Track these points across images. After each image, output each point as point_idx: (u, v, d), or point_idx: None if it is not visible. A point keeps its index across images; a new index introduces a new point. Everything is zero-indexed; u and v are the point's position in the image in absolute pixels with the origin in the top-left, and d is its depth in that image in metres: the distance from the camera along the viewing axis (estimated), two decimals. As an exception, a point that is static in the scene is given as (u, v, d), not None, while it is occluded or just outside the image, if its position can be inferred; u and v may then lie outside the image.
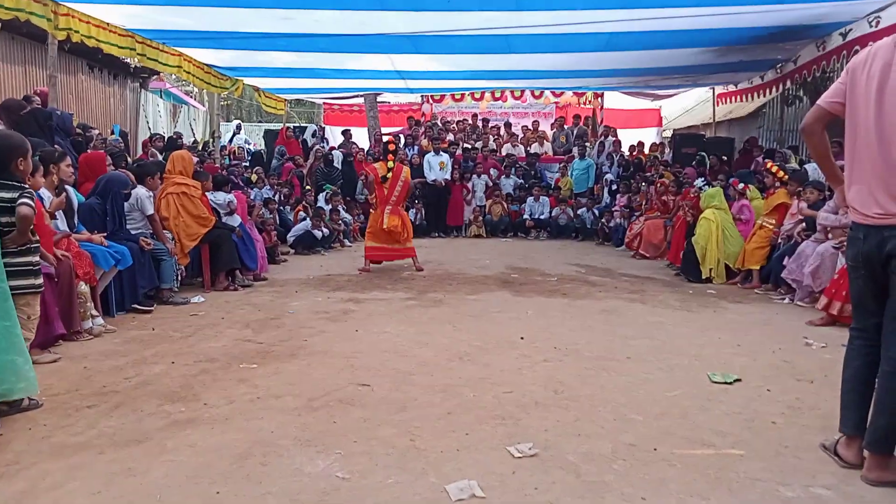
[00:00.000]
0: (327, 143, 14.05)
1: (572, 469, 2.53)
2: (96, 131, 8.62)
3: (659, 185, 9.68)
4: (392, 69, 9.88)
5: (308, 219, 9.24)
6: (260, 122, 24.69)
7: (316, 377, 3.63)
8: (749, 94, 10.96)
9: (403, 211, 7.71)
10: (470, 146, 13.03)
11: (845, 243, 3.23)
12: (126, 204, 5.43)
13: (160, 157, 8.76)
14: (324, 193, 10.42)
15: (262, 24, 7.18)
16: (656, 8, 6.40)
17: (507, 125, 14.37)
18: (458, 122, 14.78)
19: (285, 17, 6.87)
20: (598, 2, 6.29)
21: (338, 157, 12.03)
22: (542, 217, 11.51)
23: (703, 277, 6.98)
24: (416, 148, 12.40)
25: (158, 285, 5.52)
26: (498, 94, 15.24)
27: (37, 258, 3.43)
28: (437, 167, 11.58)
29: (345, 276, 7.16)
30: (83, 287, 4.42)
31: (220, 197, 6.82)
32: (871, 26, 6.53)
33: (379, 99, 15.17)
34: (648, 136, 15.38)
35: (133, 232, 5.45)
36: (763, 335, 4.72)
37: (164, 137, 11.10)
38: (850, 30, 7.01)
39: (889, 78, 2.38)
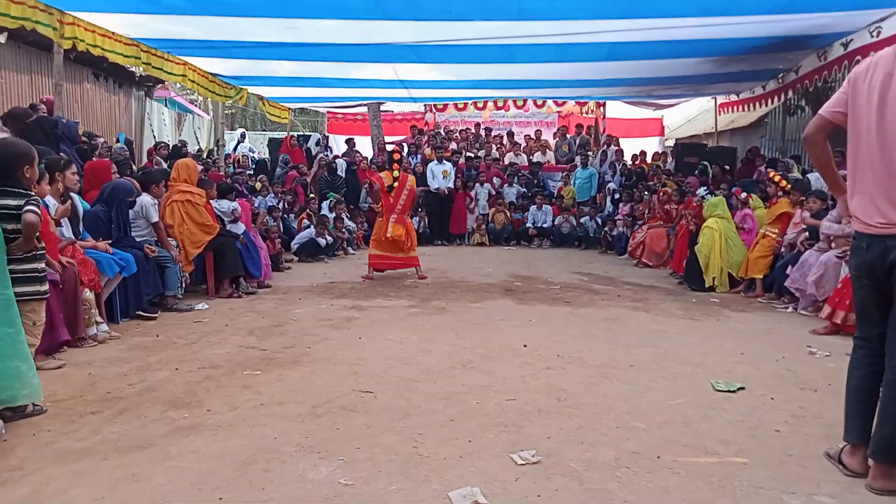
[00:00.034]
0: (331, 152, 14.10)
1: (575, 476, 2.53)
2: (101, 139, 8.69)
3: (661, 193, 9.70)
4: (395, 78, 9.93)
5: (312, 226, 9.27)
6: (264, 130, 24.81)
7: (319, 384, 3.63)
8: (751, 104, 11.00)
9: (409, 220, 7.75)
10: (473, 155, 13.08)
11: (848, 252, 3.23)
12: (131, 211, 5.46)
13: (165, 165, 8.81)
14: (327, 201, 10.46)
15: (266, 33, 7.24)
16: (658, 18, 6.44)
17: (510, 134, 14.42)
18: (461, 130, 14.84)
19: (289, 26, 6.92)
20: (599, 12, 6.32)
21: (341, 165, 12.09)
22: (544, 225, 11.52)
23: (707, 286, 6.98)
24: (419, 157, 12.45)
25: (163, 292, 5.54)
26: (501, 104, 15.28)
27: (42, 265, 3.45)
28: (441, 176, 11.63)
29: (348, 283, 7.17)
30: (88, 294, 4.44)
31: (225, 205, 6.85)
32: (872, 36, 6.56)
33: (382, 108, 15.25)
34: (651, 146, 15.41)
35: (138, 239, 5.47)
36: (766, 344, 4.71)
37: (168, 145, 11.17)
38: (852, 40, 7.04)
39: (890, 88, 2.39)
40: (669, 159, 13.13)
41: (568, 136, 14.07)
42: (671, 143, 16.98)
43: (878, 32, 6.47)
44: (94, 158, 6.76)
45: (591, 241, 11.10)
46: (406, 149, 12.39)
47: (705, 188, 8.91)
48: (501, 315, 5.56)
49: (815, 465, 2.66)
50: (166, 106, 16.20)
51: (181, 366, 3.95)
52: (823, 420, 3.15)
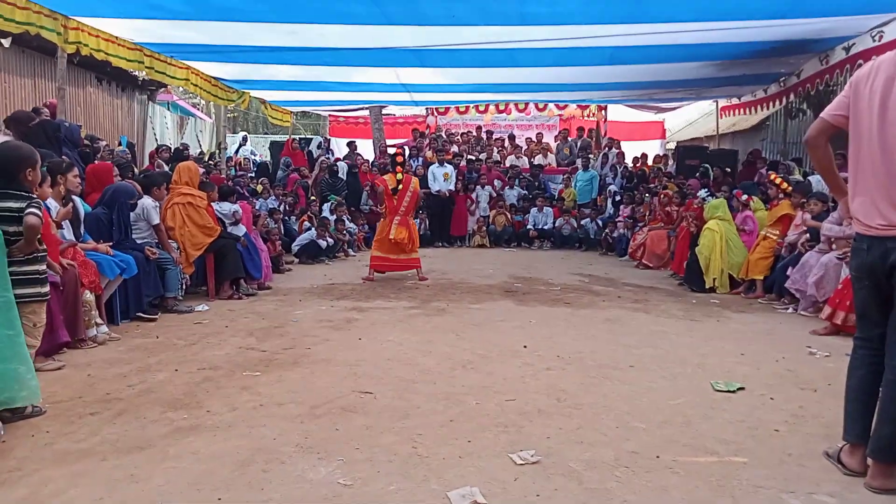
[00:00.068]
0: (332, 155, 14.13)
1: (574, 476, 2.53)
2: (104, 143, 8.71)
3: (662, 196, 9.70)
4: (397, 82, 9.96)
5: (313, 228, 9.29)
6: (266, 133, 24.90)
7: (319, 385, 3.64)
8: (752, 107, 11.00)
9: (412, 221, 7.76)
10: (474, 157, 13.09)
11: (849, 254, 3.24)
12: (132, 214, 5.48)
13: (167, 168, 8.83)
14: (328, 204, 10.49)
15: (268, 38, 7.26)
16: (659, 23, 6.44)
17: (511, 137, 14.43)
18: (463, 134, 14.87)
19: (291, 31, 6.95)
20: (601, 17, 6.32)
21: (343, 168, 12.11)
22: (545, 227, 11.52)
23: (707, 287, 6.97)
24: (420, 159, 12.47)
25: (163, 294, 5.55)
26: (502, 107, 15.35)
27: (43, 267, 3.47)
28: (442, 178, 11.65)
29: (348, 285, 7.18)
30: (88, 295, 4.45)
31: (226, 207, 6.87)
32: (874, 41, 6.57)
33: (384, 111, 15.28)
34: (652, 149, 15.42)
35: (139, 241, 5.48)
36: (766, 344, 4.70)
37: (170, 148, 11.19)
38: (854, 44, 7.05)
39: (892, 91, 2.41)
40: (670, 162, 13.13)
41: (569, 139, 14.08)
42: (672, 145, 16.99)
43: (880, 36, 6.49)
44: (96, 161, 6.79)
45: (592, 243, 11.10)
46: (408, 152, 12.41)
47: (706, 190, 8.91)
48: (502, 316, 5.56)
49: (815, 464, 2.66)
50: (169, 109, 16.24)
51: (181, 367, 3.95)
52: (823, 420, 3.15)
